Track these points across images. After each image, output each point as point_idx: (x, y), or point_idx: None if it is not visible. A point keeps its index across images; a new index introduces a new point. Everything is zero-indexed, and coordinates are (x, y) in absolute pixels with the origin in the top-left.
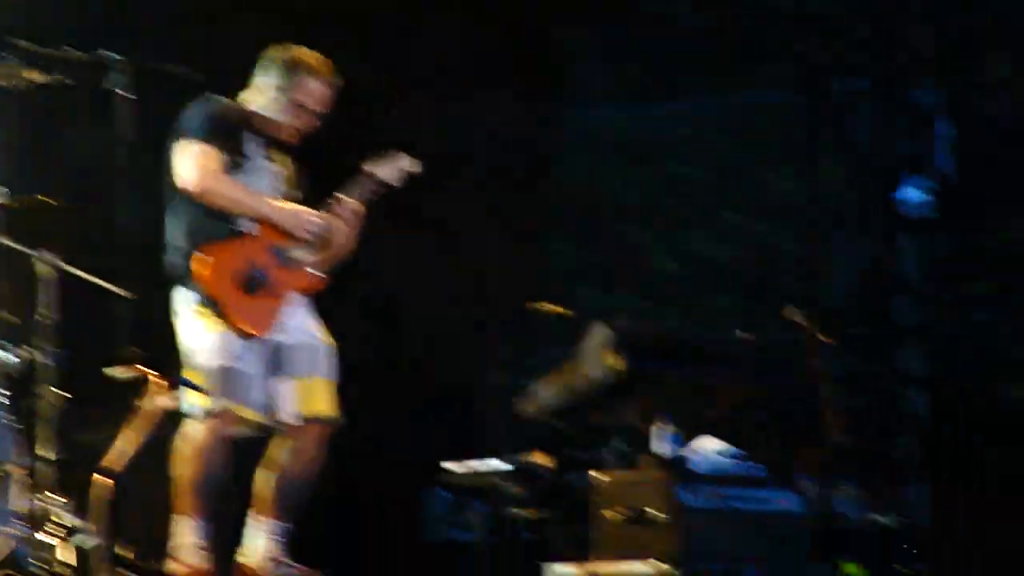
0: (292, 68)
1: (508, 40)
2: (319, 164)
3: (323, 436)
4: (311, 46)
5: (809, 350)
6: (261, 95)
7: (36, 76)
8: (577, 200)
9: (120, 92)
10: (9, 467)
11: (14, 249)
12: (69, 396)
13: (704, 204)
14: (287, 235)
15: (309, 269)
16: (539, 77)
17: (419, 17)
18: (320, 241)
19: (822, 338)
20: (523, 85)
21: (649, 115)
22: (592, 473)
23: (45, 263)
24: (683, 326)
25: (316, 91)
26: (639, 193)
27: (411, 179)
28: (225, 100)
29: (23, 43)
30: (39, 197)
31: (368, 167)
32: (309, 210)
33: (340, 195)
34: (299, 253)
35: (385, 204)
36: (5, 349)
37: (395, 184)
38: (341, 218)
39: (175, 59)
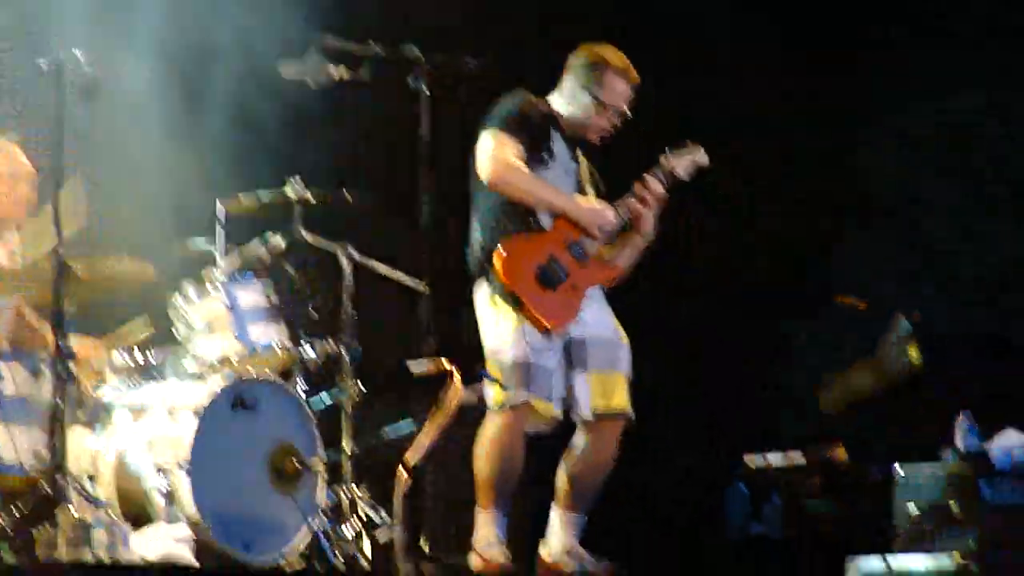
0: (599, 69)
1: (812, 27)
2: (614, 158)
3: (618, 430)
4: (612, 43)
5: None
6: (569, 95)
7: (341, 72)
8: (881, 193)
9: (422, 88)
10: (312, 460)
11: (316, 244)
12: (371, 390)
13: (1011, 199)
14: (584, 230)
15: (612, 261)
16: (840, 68)
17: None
18: (617, 236)
19: None
20: (825, 74)
21: (956, 108)
22: (894, 466)
23: (346, 257)
24: (985, 321)
25: (622, 92)
26: (943, 186)
27: (707, 171)
28: (532, 97)
29: (329, 39)
30: (344, 192)
31: (665, 160)
32: (606, 206)
33: (638, 191)
34: (596, 248)
35: (684, 194)
36: (307, 343)
37: (687, 178)
38: (642, 204)
39: (479, 56)
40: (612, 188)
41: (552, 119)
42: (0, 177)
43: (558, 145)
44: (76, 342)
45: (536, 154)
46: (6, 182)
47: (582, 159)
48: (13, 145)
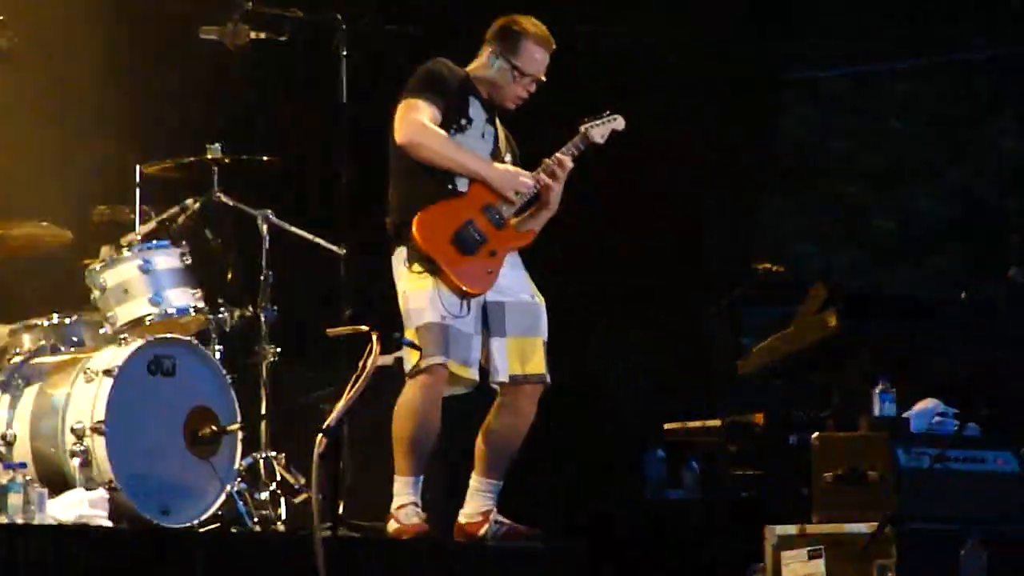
0: (517, 36)
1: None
2: (528, 124)
3: (536, 395)
4: (532, 14)
5: None
6: (487, 62)
7: (261, 35)
8: (797, 158)
9: (343, 52)
10: (229, 425)
11: (234, 206)
12: (289, 354)
13: (926, 162)
14: (499, 195)
15: (522, 228)
16: (761, 35)
17: None
18: (533, 201)
19: None
20: (744, 43)
21: (871, 73)
22: (812, 433)
23: (265, 221)
24: (904, 286)
25: (539, 60)
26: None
27: (624, 139)
28: (450, 64)
29: (249, 3)
30: (262, 156)
31: (584, 127)
32: (521, 170)
33: (549, 165)
34: (512, 212)
35: (603, 164)
36: (224, 307)
37: (603, 142)
38: (552, 178)
39: (402, 22)
40: (533, 156)
41: (470, 85)
42: None
43: (475, 111)
44: None
45: (453, 119)
46: None
47: (499, 125)
48: None
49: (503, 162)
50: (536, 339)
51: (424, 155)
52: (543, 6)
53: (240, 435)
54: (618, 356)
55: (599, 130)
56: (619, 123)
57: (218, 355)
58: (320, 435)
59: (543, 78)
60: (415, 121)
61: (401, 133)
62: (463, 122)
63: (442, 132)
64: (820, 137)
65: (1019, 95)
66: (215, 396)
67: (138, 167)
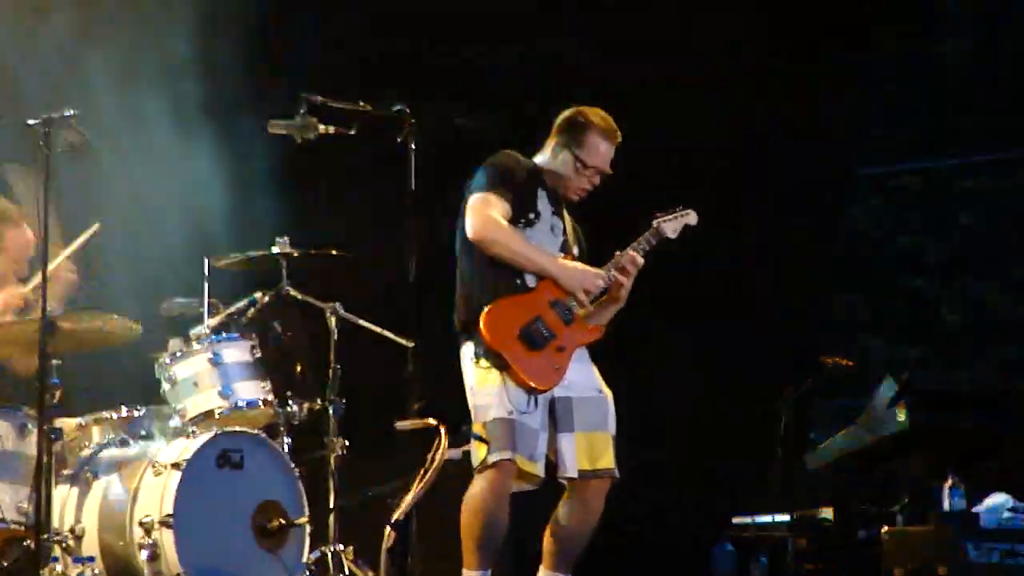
0: (582, 128)
1: (795, 98)
2: (594, 216)
3: (605, 489)
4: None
5: None
6: (551, 153)
7: (329, 129)
8: (865, 252)
9: (411, 145)
10: (297, 518)
11: (303, 299)
12: (357, 446)
13: (993, 255)
14: (569, 292)
15: (591, 322)
16: (828, 129)
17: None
18: (602, 297)
19: None
20: (813, 137)
21: (938, 168)
22: (881, 528)
23: (333, 314)
24: (972, 379)
25: (603, 152)
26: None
27: (694, 231)
28: (518, 156)
29: (317, 97)
30: (331, 249)
31: (658, 222)
32: (592, 270)
33: (623, 253)
34: (581, 309)
35: (671, 255)
36: (293, 399)
37: (675, 237)
38: (623, 273)
39: (469, 114)
40: (603, 246)
41: (537, 177)
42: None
43: (543, 203)
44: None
45: (522, 212)
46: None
47: (567, 217)
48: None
49: (572, 255)
50: (605, 434)
51: (496, 251)
52: (609, 100)
53: (308, 528)
54: (687, 449)
55: (671, 225)
56: (692, 218)
57: (287, 448)
58: (388, 529)
59: (609, 171)
60: (488, 217)
61: (474, 229)
62: (531, 216)
63: (512, 230)
64: (888, 230)
65: None
66: (283, 489)
67: (207, 260)
